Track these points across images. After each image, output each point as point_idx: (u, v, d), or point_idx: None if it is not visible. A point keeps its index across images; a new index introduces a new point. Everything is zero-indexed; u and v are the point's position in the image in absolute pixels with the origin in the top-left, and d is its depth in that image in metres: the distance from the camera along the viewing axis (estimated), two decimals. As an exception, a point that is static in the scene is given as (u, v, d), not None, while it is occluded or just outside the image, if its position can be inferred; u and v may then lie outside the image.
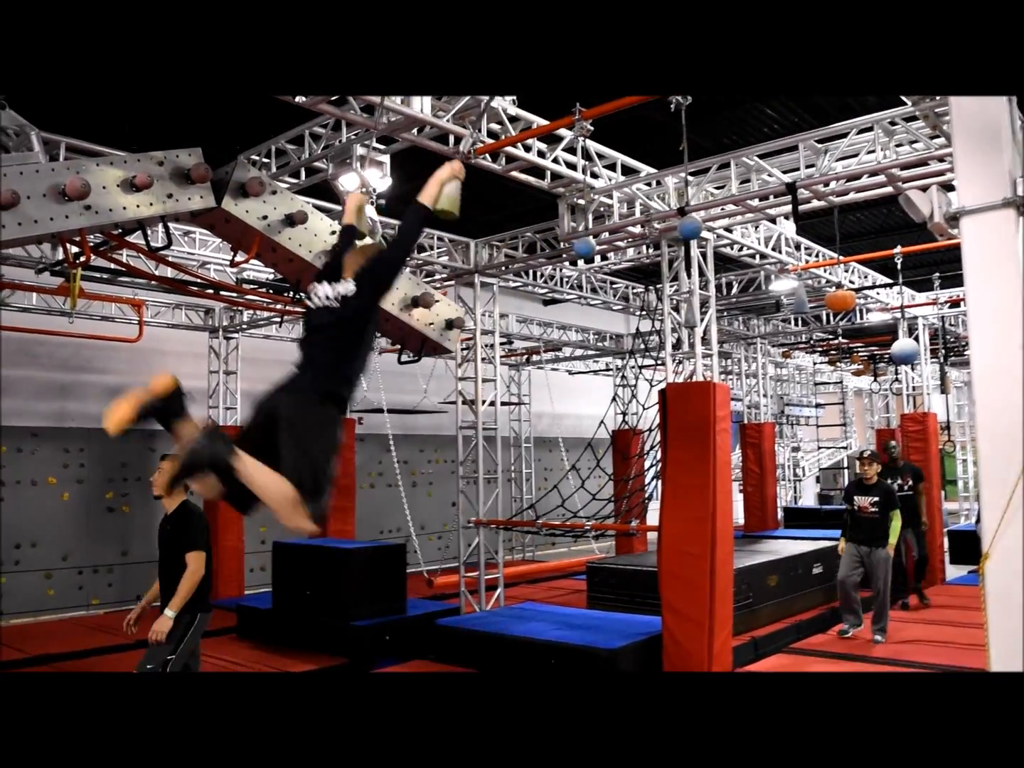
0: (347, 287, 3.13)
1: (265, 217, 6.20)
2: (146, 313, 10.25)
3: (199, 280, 8.49)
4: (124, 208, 5.53)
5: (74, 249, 6.65)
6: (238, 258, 6.77)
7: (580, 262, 9.81)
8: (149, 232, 6.35)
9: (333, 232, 6.49)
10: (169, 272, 8.98)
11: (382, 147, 6.80)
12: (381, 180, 6.79)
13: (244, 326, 11.62)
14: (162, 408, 2.72)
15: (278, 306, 9.17)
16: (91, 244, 6.62)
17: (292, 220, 6.33)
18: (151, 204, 5.66)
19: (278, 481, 2.68)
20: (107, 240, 6.88)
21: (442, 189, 3.29)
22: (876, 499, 7.69)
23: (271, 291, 9.12)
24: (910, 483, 9.65)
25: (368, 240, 3.61)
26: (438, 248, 9.46)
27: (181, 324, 11.36)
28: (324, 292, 3.15)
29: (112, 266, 8.30)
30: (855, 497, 7.82)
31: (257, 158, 7.16)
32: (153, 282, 8.94)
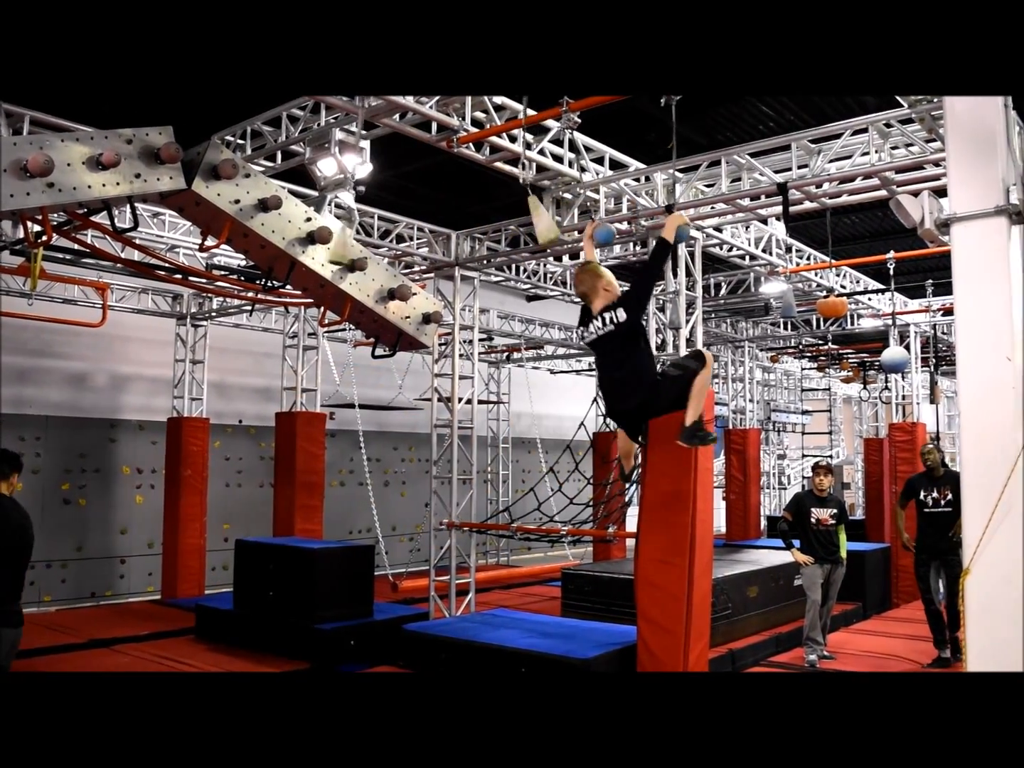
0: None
1: (237, 201, 5.94)
2: (111, 297, 9.99)
3: (167, 264, 8.19)
4: (89, 187, 5.26)
5: (35, 228, 6.36)
6: (208, 243, 6.52)
7: (564, 257, 9.61)
8: (115, 213, 6.08)
9: (308, 219, 6.23)
10: (136, 255, 8.67)
11: (363, 132, 6.58)
12: (361, 166, 6.56)
13: (213, 314, 11.35)
14: None
15: (249, 294, 8.87)
16: (54, 223, 6.34)
17: (266, 205, 6.06)
18: (118, 184, 5.40)
19: None
20: (71, 219, 6.59)
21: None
22: (834, 511, 7.54)
23: (242, 278, 8.83)
24: (948, 496, 7.27)
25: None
26: (418, 239, 9.19)
27: (147, 310, 11.09)
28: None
29: (76, 247, 8.04)
30: (812, 509, 7.52)
31: (231, 139, 7.01)
32: (118, 265, 8.68)
